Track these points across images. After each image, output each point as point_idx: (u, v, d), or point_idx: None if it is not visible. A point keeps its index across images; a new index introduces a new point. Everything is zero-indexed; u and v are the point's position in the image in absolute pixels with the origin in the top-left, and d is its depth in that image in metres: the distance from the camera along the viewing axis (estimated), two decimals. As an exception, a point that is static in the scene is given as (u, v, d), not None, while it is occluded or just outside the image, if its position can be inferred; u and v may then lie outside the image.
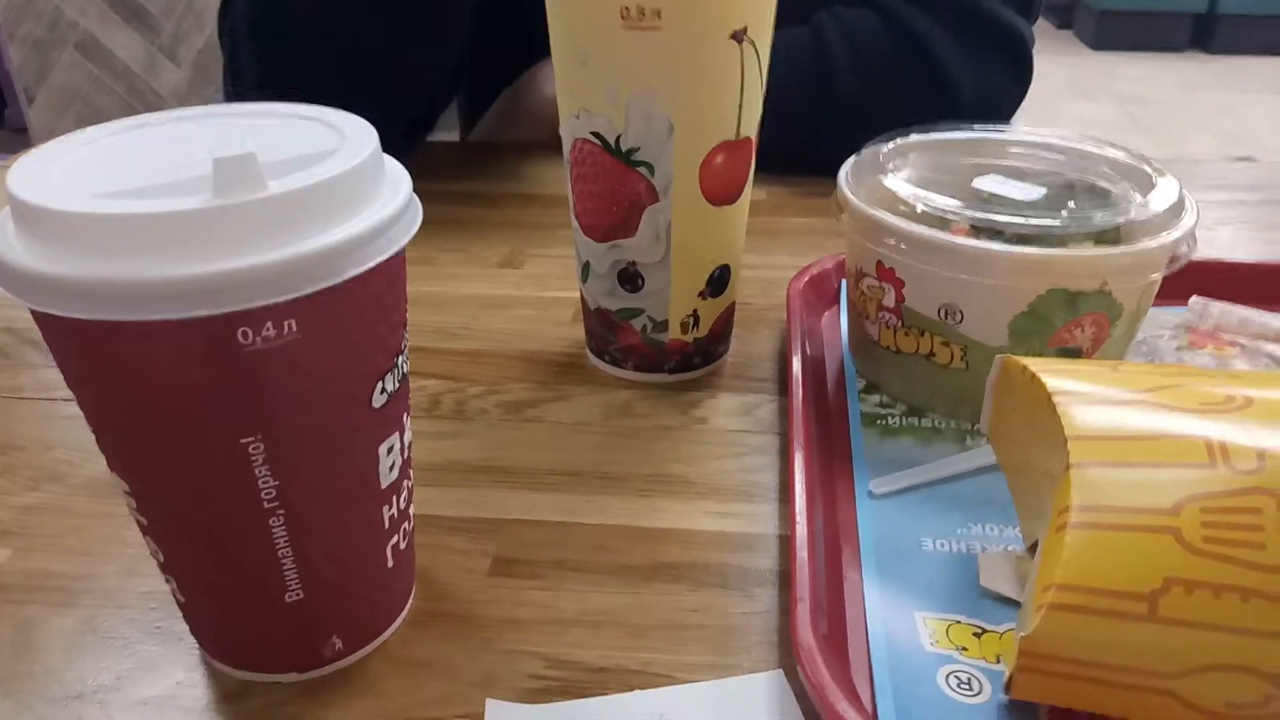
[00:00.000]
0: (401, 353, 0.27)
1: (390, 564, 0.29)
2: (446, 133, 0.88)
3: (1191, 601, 0.24)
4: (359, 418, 0.26)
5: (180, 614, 0.29)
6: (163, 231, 0.21)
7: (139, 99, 2.37)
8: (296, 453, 0.25)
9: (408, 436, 0.28)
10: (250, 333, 0.22)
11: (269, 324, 0.22)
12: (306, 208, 0.23)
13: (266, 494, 0.24)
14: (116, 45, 2.32)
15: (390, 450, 0.27)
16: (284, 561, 0.26)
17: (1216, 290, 0.46)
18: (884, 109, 0.60)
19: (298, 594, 0.26)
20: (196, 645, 0.29)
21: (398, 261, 0.25)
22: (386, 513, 0.28)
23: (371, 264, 0.24)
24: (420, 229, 0.26)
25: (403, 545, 0.29)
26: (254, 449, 0.24)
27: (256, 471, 0.24)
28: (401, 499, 0.28)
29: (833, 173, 0.41)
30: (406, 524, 0.29)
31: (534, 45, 0.39)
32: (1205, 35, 3.44)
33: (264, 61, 0.61)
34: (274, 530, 0.25)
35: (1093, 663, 0.25)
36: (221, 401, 0.23)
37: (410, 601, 0.31)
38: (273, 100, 0.28)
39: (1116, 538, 0.25)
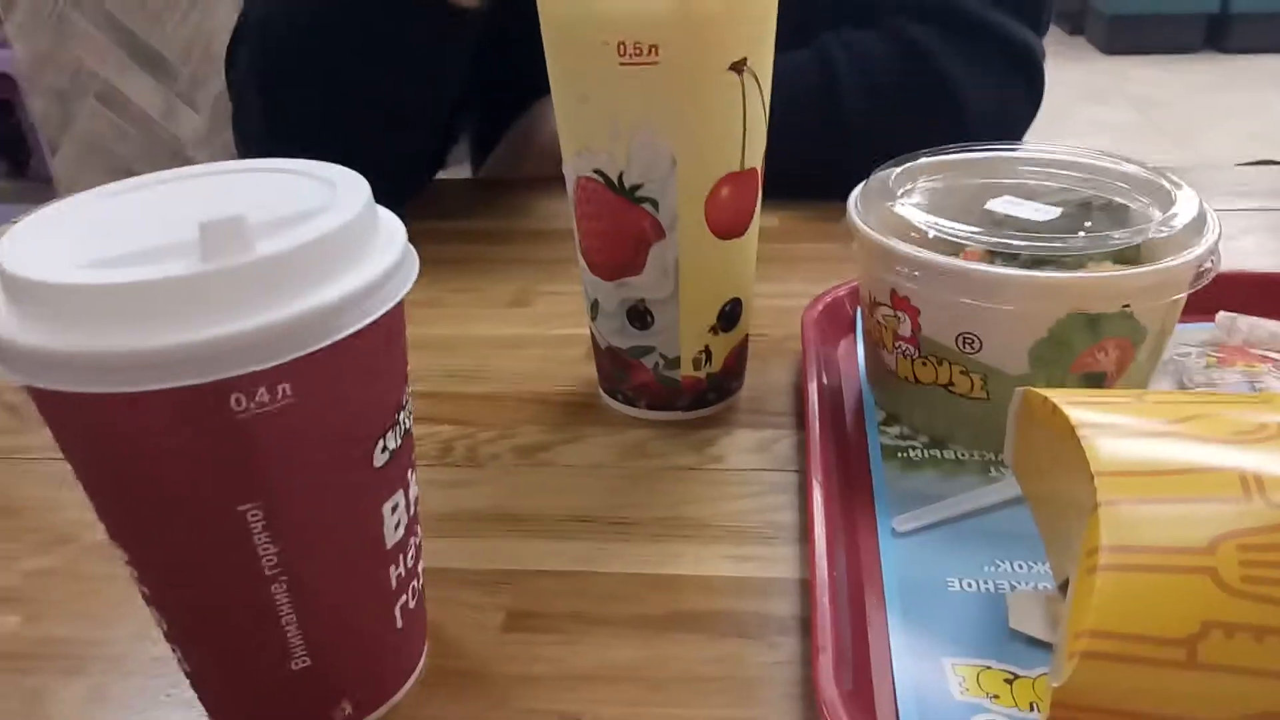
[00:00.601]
0: (403, 408, 0.27)
1: (400, 625, 0.28)
2: (459, 167, 0.88)
3: (1232, 646, 0.23)
4: (361, 478, 0.25)
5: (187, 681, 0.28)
6: (149, 300, 0.21)
7: (160, 146, 2.40)
8: (297, 518, 0.24)
9: (414, 492, 0.28)
10: (243, 399, 0.22)
11: (262, 389, 0.22)
12: (297, 268, 0.22)
13: (268, 561, 0.24)
14: (135, 93, 2.36)
15: (395, 509, 0.26)
16: (288, 628, 0.25)
17: (1243, 303, 0.45)
18: (894, 130, 0.59)
19: (304, 660, 0.26)
20: (205, 713, 0.29)
21: (395, 315, 0.25)
22: (394, 572, 0.27)
23: (366, 321, 0.23)
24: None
25: (412, 604, 0.29)
26: (253, 516, 0.23)
27: (256, 539, 0.24)
28: (409, 557, 0.28)
29: (845, 196, 0.40)
30: (416, 582, 0.29)
31: (540, 80, 0.39)
32: (1219, 35, 3.41)
33: (270, 110, 0.61)
34: (277, 597, 0.24)
35: (1129, 713, 0.23)
36: (217, 470, 0.23)
37: (422, 661, 0.30)
38: (280, 148, 0.28)
39: (1150, 579, 0.23)
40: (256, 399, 0.22)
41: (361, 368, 0.24)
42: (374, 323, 0.23)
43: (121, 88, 2.35)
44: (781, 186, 0.53)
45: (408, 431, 0.27)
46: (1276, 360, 0.43)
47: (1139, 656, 0.23)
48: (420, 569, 0.29)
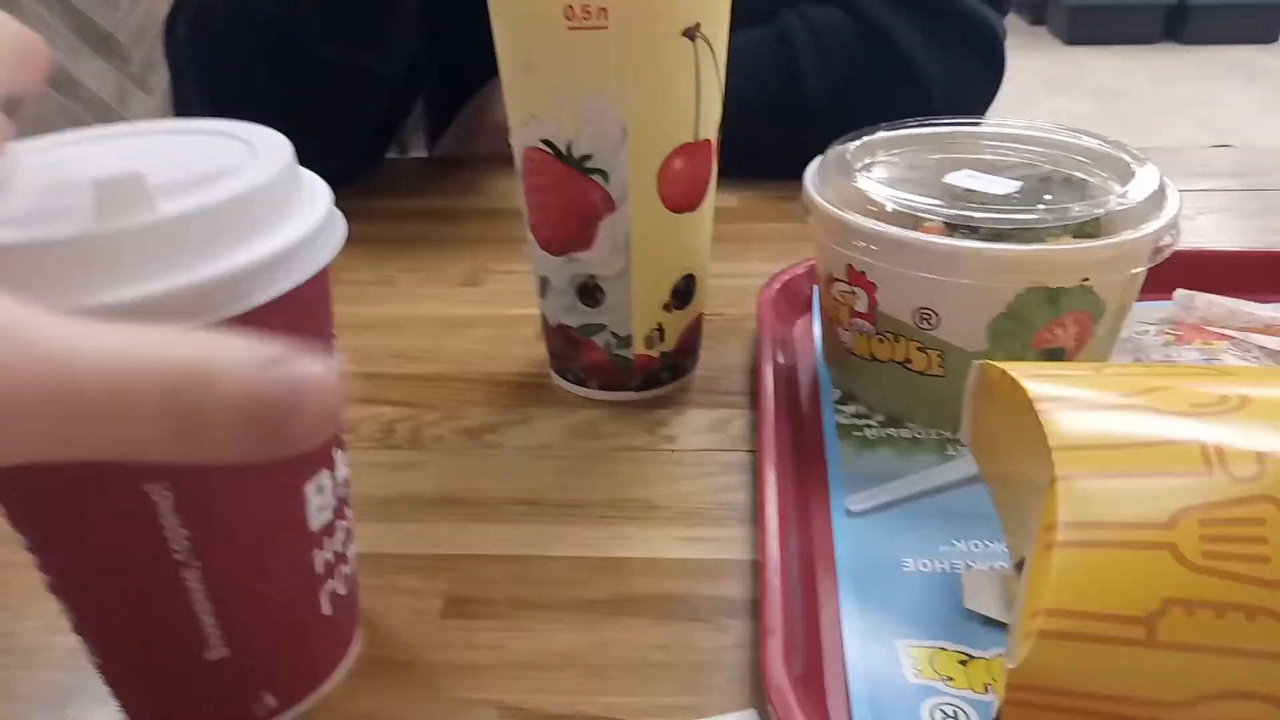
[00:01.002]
0: None
1: (327, 612, 0.26)
2: (419, 152, 0.86)
3: (1193, 623, 0.22)
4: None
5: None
6: (37, 263, 0.19)
7: (110, 128, 2.34)
8: (209, 498, 0.22)
9: (342, 472, 0.26)
10: None
11: None
12: (205, 230, 0.20)
13: (177, 546, 0.22)
14: (87, 76, 2.29)
15: (320, 490, 0.25)
16: (203, 617, 0.23)
17: (1201, 281, 0.44)
18: (854, 108, 0.58)
19: (222, 650, 0.24)
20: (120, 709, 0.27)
21: (318, 284, 0.23)
22: (319, 557, 0.26)
23: (284, 289, 0.21)
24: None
25: (341, 590, 0.27)
26: (159, 497, 0.22)
27: (164, 521, 0.22)
28: (337, 540, 0.26)
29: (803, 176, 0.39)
30: (345, 566, 0.27)
31: (494, 57, 0.37)
32: (1177, 26, 3.45)
33: (207, 81, 0.59)
34: (189, 584, 0.23)
35: (1088, 694, 0.22)
36: None
37: (354, 650, 0.29)
38: (218, 117, 0.26)
39: (1108, 556, 0.23)
40: None
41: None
42: (291, 292, 0.22)
43: (72, 71, 2.28)
44: (742, 165, 0.52)
45: None
46: (1234, 338, 0.42)
47: (1097, 635, 0.22)
48: (351, 553, 0.28)
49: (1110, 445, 0.24)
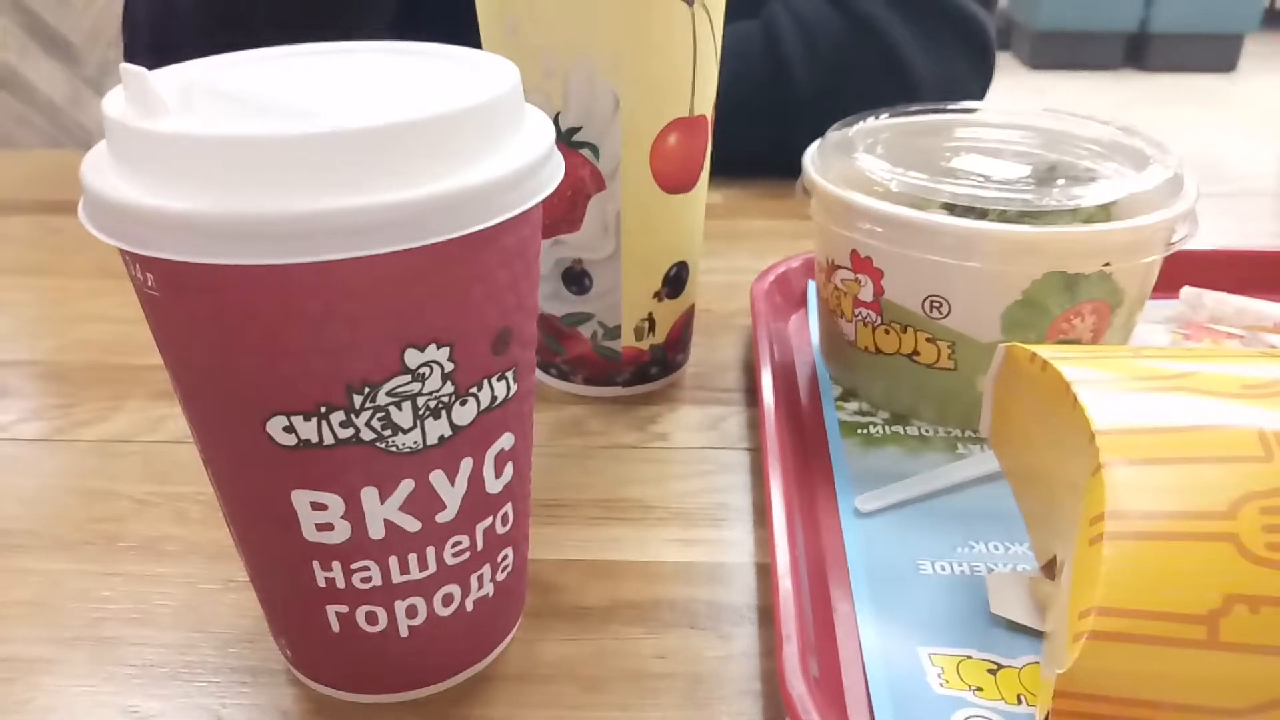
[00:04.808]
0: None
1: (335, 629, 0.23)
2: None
3: (1258, 621, 0.20)
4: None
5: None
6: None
7: (64, 133, 2.28)
8: None
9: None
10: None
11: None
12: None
13: None
14: (39, 79, 2.23)
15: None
16: None
17: (1205, 280, 0.43)
18: (842, 103, 0.56)
19: None
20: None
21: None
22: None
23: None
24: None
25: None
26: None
27: None
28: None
29: (791, 174, 0.37)
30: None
31: (474, 21, 0.34)
32: (1138, 53, 3.52)
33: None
34: None
35: (1143, 701, 0.20)
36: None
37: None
38: None
39: (1164, 549, 0.21)
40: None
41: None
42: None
43: (24, 73, 2.22)
44: (727, 165, 0.50)
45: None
46: (1243, 336, 0.41)
47: (1154, 636, 0.20)
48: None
49: (1158, 430, 0.22)
